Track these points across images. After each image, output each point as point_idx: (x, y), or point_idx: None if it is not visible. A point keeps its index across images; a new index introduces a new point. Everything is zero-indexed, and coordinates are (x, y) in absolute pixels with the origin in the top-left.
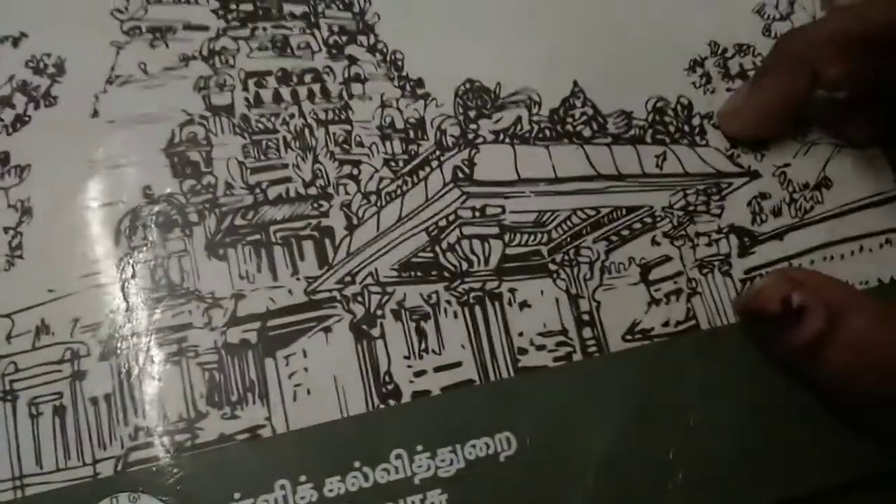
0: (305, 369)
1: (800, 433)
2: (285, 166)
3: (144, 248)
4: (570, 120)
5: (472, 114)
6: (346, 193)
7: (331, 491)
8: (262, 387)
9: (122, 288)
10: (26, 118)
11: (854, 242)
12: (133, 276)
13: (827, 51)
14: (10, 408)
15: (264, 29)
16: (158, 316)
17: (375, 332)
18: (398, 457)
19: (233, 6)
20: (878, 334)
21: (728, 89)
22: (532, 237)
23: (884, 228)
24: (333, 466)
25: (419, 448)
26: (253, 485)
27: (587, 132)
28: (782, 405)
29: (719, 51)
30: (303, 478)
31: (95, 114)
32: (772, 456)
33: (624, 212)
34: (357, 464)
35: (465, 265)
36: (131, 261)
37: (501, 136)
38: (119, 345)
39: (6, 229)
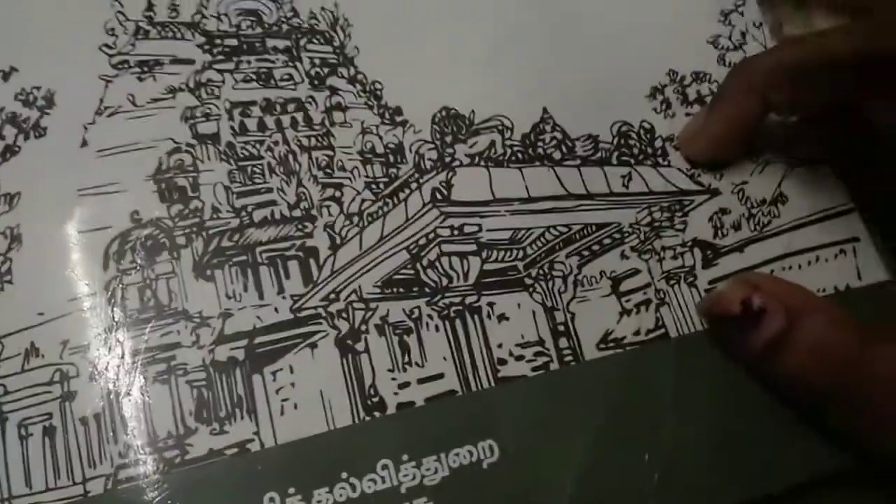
0: (292, 384)
1: (766, 433)
2: (270, 190)
3: (133, 271)
4: (540, 144)
5: (448, 139)
6: (330, 215)
7: (319, 502)
8: (250, 402)
9: (111, 310)
10: (16, 149)
11: (810, 253)
12: (122, 298)
13: (775, 78)
14: (0, 430)
15: (248, 62)
16: (147, 336)
17: (360, 346)
18: (384, 467)
19: (218, 41)
20: (833, 334)
21: (687, 114)
22: (508, 253)
23: (837, 240)
24: (321, 478)
25: (405, 458)
26: (242, 499)
27: (557, 155)
28: (749, 406)
29: (678, 78)
30: (291, 490)
31: (84, 143)
32: (741, 456)
33: (594, 228)
34: (344, 475)
35: (445, 281)
36: (120, 283)
37: (477, 160)
38: (108, 365)
39: None
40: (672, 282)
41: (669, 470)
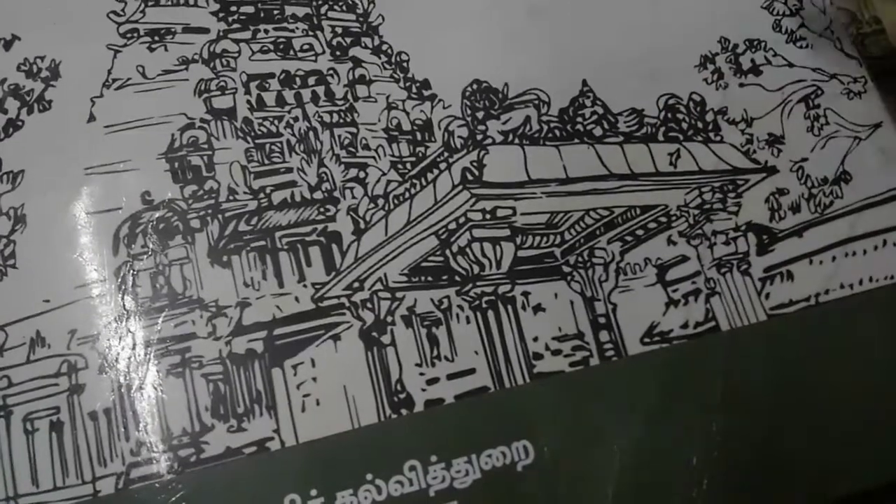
0: (314, 379)
1: (827, 436)
2: (290, 170)
3: (144, 256)
4: (580, 119)
5: (479, 115)
6: (353, 197)
7: None
8: (270, 398)
9: (122, 297)
10: (19, 123)
11: (876, 237)
12: (133, 285)
13: None
14: (4, 424)
15: (266, 31)
16: (160, 326)
17: (386, 339)
18: (412, 468)
19: (233, 8)
20: None
21: (741, 84)
22: (544, 239)
23: None
24: (345, 480)
25: (433, 459)
26: (261, 501)
27: (598, 131)
28: (808, 407)
29: (730, 46)
30: (313, 492)
31: (92, 118)
32: (799, 460)
33: (638, 211)
34: (370, 476)
35: (476, 269)
36: (131, 269)
37: (510, 137)
38: (119, 357)
39: None
40: (724, 270)
41: (720, 474)
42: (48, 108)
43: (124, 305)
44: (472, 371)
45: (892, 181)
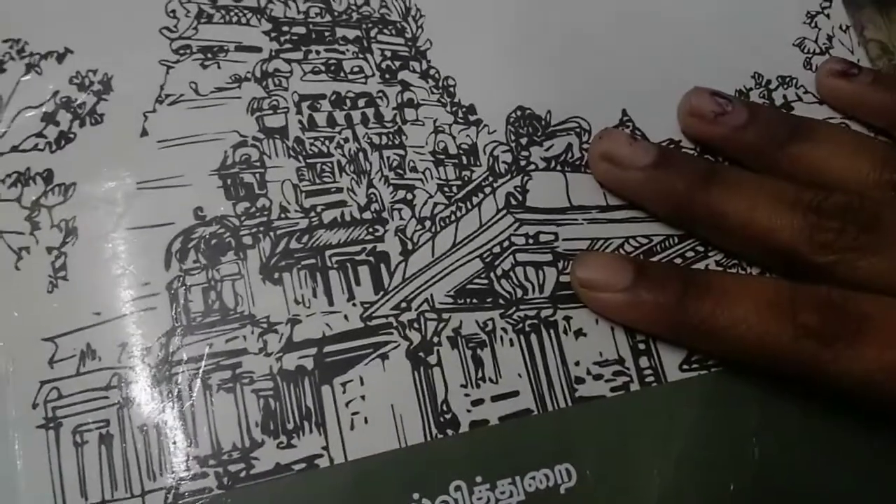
0: (362, 397)
1: (863, 467)
2: (340, 190)
3: (196, 271)
4: None
5: (523, 141)
6: (401, 218)
7: None
8: (319, 415)
9: (173, 312)
10: (71, 135)
11: None
12: (185, 300)
13: None
14: (53, 436)
15: (317, 52)
16: (211, 341)
17: (432, 359)
18: (457, 488)
19: (285, 28)
20: None
21: None
22: None
23: None
24: (392, 498)
25: (478, 479)
26: None
27: None
28: (845, 436)
29: (763, 82)
30: None
31: (144, 133)
32: (833, 490)
33: (676, 240)
34: (416, 496)
35: (519, 292)
36: (183, 284)
37: (553, 164)
38: (169, 371)
39: (49, 249)
40: None
41: (757, 500)
42: (100, 122)
43: (175, 319)
44: (515, 393)
45: None
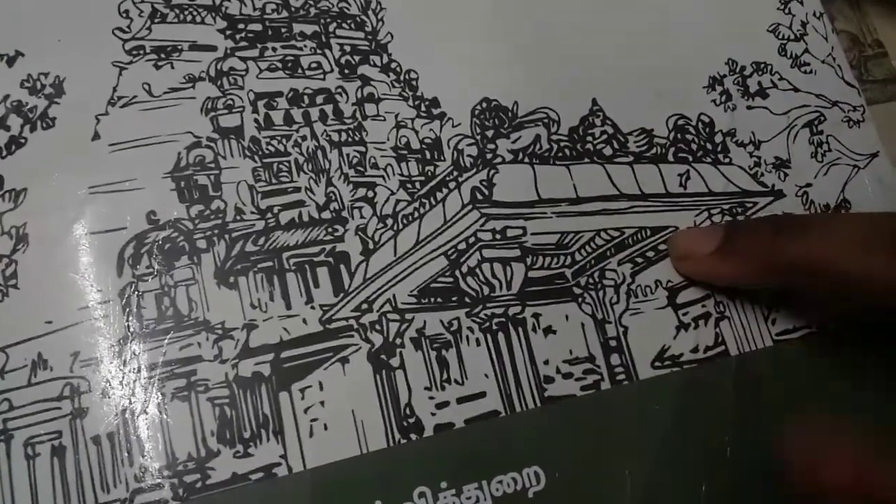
0: (322, 403)
1: None
2: (298, 190)
3: (149, 277)
4: (589, 139)
5: (489, 133)
6: (362, 217)
7: None
8: (277, 422)
9: (126, 319)
10: (22, 140)
11: None
12: (137, 307)
13: None
14: (4, 448)
15: (273, 49)
16: (165, 348)
17: (395, 361)
18: (421, 495)
19: (241, 26)
20: None
21: (749, 107)
22: (555, 260)
23: None
24: None
25: (443, 485)
26: None
27: (608, 151)
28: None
29: (737, 68)
30: None
31: (97, 136)
32: None
33: (648, 232)
34: (378, 503)
35: (486, 290)
36: (135, 290)
37: (520, 156)
38: (123, 380)
39: (0, 257)
40: (733, 293)
41: (730, 499)
42: (52, 126)
43: (129, 327)
44: (482, 395)
45: (888, 210)
